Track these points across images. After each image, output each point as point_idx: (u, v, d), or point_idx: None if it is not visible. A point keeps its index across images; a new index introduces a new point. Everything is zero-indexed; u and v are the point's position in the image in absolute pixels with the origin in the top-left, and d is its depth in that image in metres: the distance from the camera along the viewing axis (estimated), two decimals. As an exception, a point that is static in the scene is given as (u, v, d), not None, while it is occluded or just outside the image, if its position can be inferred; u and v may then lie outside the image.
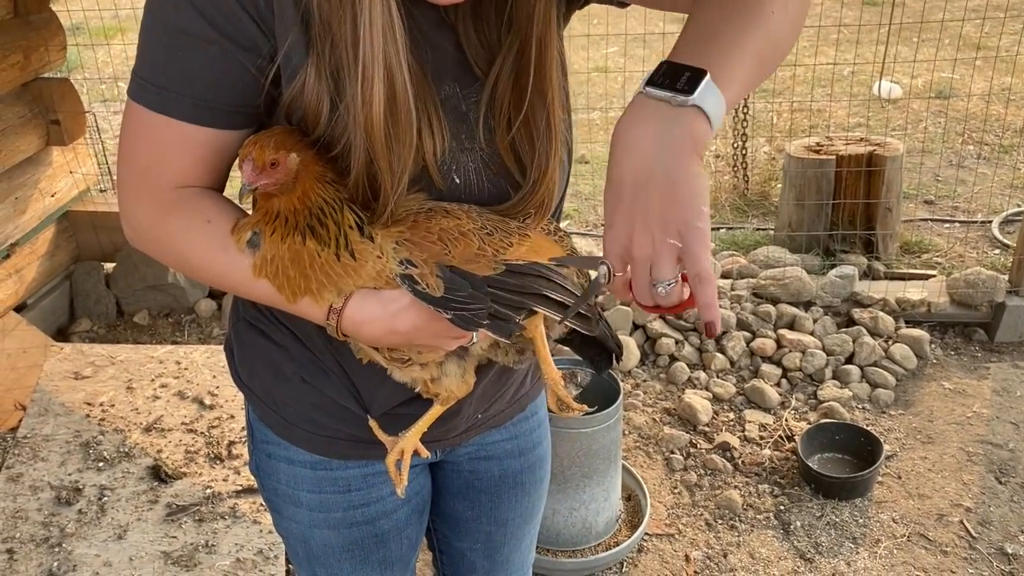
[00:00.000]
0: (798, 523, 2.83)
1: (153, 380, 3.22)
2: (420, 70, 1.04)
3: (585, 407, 1.30)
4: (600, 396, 2.58)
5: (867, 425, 3.19)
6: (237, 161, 1.02)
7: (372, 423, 1.24)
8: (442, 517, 1.52)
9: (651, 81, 0.92)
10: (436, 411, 1.21)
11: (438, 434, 1.29)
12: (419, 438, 1.22)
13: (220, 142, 1.05)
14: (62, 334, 3.92)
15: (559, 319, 1.08)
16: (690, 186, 0.88)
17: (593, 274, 0.96)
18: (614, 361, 1.28)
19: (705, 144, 0.91)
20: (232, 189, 1.06)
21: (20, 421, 3.02)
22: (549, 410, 1.35)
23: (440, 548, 1.60)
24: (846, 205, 4.05)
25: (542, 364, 1.27)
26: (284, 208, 1.01)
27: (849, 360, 3.52)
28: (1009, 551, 2.69)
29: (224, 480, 2.78)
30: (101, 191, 4.55)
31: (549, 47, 1.07)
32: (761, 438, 3.19)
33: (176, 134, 1.03)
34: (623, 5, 1.18)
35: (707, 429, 3.24)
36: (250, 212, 1.10)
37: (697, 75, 0.91)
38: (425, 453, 1.24)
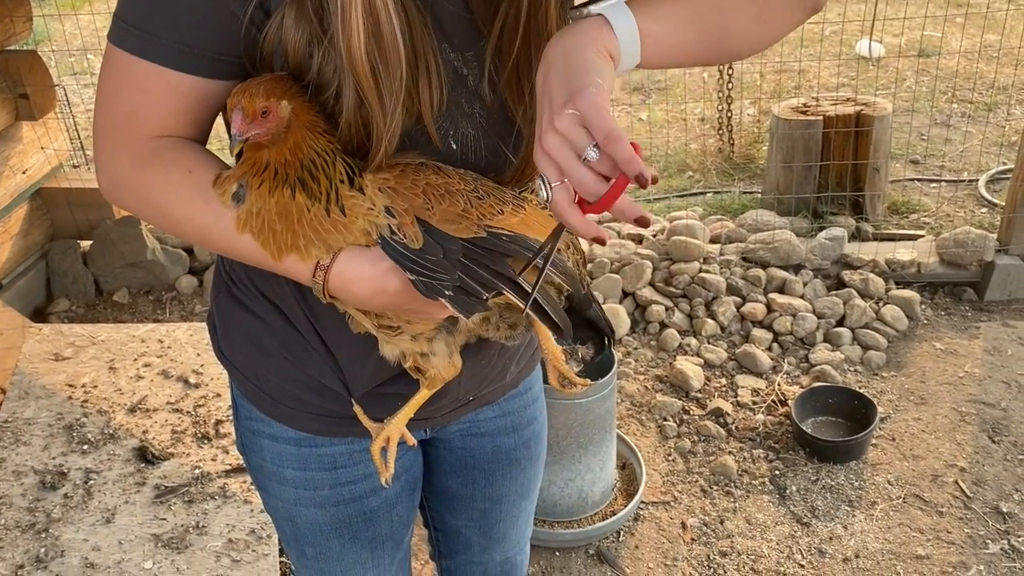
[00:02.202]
0: (794, 487, 2.82)
1: (136, 360, 3.15)
2: (416, 10, 0.98)
3: (588, 382, 1.25)
4: (593, 366, 2.54)
5: (859, 387, 3.18)
6: (225, 111, 0.97)
7: (357, 409, 1.19)
8: (436, 495, 1.49)
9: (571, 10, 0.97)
10: (422, 396, 1.16)
11: (426, 412, 1.24)
12: (405, 424, 1.18)
13: (204, 92, 1.00)
14: (39, 315, 3.84)
15: (524, 305, 0.99)
16: (583, 63, 0.89)
17: (542, 192, 0.88)
18: (606, 345, 1.21)
19: (610, 49, 0.93)
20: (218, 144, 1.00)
21: (0, 405, 2.95)
22: (547, 385, 1.30)
23: (435, 526, 1.56)
24: (833, 166, 4.01)
25: (542, 339, 1.22)
26: (274, 160, 0.96)
27: (840, 323, 3.50)
28: (1004, 510, 2.69)
29: (212, 460, 2.73)
30: (74, 167, 4.44)
31: None
32: (754, 403, 3.18)
33: (158, 81, 0.98)
34: None
35: (699, 395, 3.22)
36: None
37: None
38: (411, 440, 1.21)
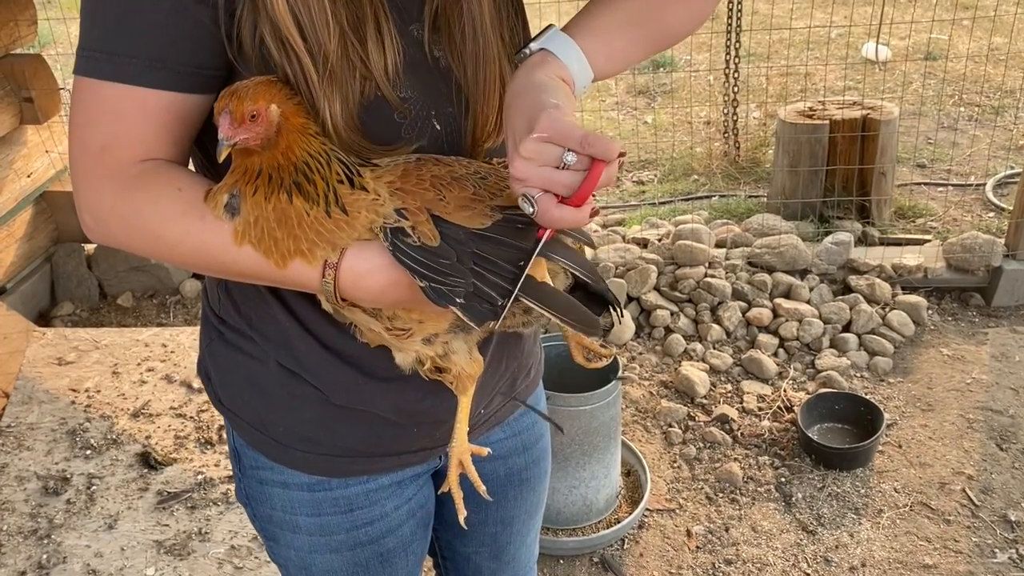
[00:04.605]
0: (799, 495, 2.80)
1: (139, 364, 3.15)
2: None
3: (613, 351, 1.24)
4: (598, 372, 2.53)
5: (866, 394, 3.15)
6: (213, 115, 0.93)
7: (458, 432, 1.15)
8: (446, 525, 1.45)
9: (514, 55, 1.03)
10: (464, 404, 1.12)
11: (439, 437, 1.22)
12: (466, 437, 1.14)
13: (181, 108, 0.97)
14: (44, 318, 3.83)
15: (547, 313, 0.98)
16: (535, 90, 0.93)
17: (528, 208, 0.89)
18: (615, 317, 1.19)
19: (561, 75, 0.97)
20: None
21: (3, 409, 2.94)
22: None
23: (443, 554, 1.53)
24: (839, 171, 3.99)
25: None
26: (267, 165, 0.93)
27: (846, 328, 3.48)
28: (1012, 519, 2.67)
29: (216, 465, 2.72)
30: (79, 170, 4.44)
31: None
32: (760, 409, 3.16)
33: (133, 102, 0.95)
34: None
35: (705, 401, 3.20)
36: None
37: (544, 31, 1.01)
38: (484, 451, 1.17)
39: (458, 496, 1.14)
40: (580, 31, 1.01)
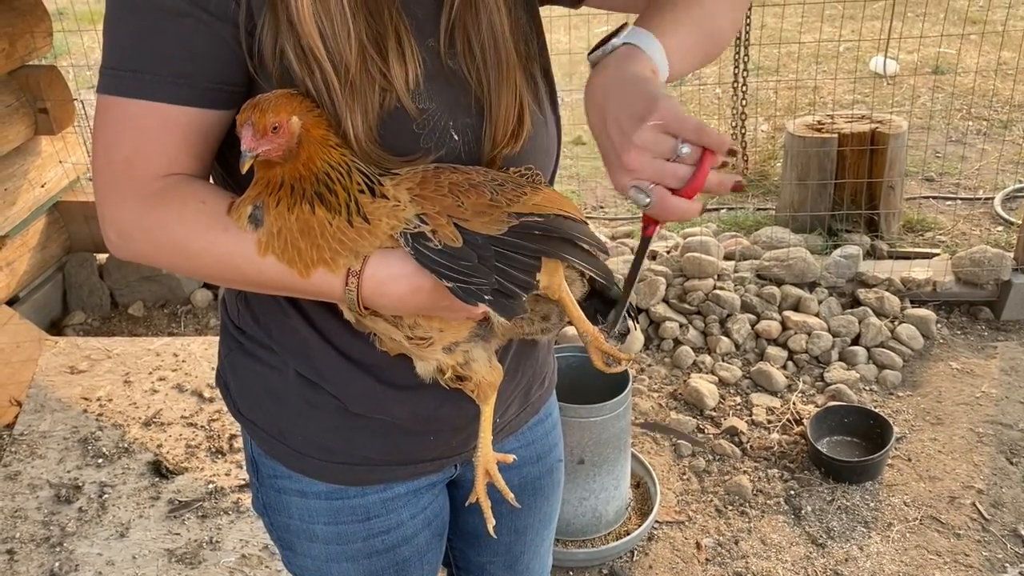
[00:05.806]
0: (809, 508, 2.80)
1: (151, 373, 3.17)
2: None
3: (632, 356, 1.25)
4: (608, 384, 2.54)
5: (875, 407, 3.15)
6: (236, 128, 0.95)
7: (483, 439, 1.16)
8: (460, 534, 1.46)
9: (590, 54, 1.04)
10: (487, 413, 1.14)
11: (456, 446, 1.23)
12: (490, 446, 1.16)
13: (203, 123, 0.99)
14: (55, 327, 3.86)
15: (590, 270, 1.03)
16: (640, 82, 0.95)
17: (642, 199, 0.91)
18: (630, 324, 1.21)
19: (647, 64, 0.98)
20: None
21: (16, 417, 2.96)
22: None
23: (458, 564, 1.54)
24: (848, 184, 4.00)
25: (577, 323, 1.20)
26: (288, 176, 0.95)
27: (855, 341, 3.48)
28: (1023, 533, 2.67)
29: (226, 474, 2.73)
30: (91, 180, 4.47)
31: None
32: (769, 422, 3.16)
33: (156, 118, 0.97)
34: (576, 5, 1.23)
35: (714, 414, 3.20)
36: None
37: (620, 29, 1.02)
38: (510, 458, 1.18)
39: (486, 505, 1.15)
40: (656, 29, 1.01)
